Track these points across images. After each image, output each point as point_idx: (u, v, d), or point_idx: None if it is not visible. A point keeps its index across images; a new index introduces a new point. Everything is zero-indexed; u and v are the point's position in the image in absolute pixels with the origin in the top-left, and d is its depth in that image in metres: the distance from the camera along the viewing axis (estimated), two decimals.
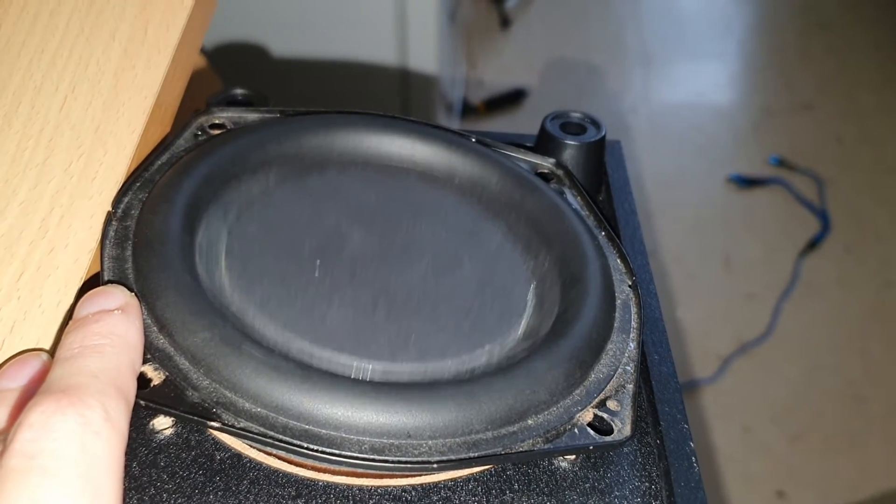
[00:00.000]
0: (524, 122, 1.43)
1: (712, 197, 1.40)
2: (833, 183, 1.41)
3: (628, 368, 0.29)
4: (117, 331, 0.25)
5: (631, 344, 0.30)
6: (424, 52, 0.97)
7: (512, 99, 1.52)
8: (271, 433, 0.24)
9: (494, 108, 1.50)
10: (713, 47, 1.75)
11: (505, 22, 1.73)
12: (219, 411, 0.25)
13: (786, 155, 1.45)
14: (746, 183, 1.40)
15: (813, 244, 1.30)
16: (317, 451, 0.24)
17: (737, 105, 1.61)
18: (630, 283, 0.32)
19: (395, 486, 0.26)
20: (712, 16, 1.84)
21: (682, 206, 1.37)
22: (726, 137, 1.52)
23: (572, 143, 0.37)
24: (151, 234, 0.29)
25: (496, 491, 0.26)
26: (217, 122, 0.36)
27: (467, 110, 1.47)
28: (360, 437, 0.25)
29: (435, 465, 0.25)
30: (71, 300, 0.28)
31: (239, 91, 0.38)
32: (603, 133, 0.38)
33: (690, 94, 1.62)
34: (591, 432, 0.26)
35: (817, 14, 1.83)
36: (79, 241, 0.29)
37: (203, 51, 0.80)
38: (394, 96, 1.03)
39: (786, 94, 1.61)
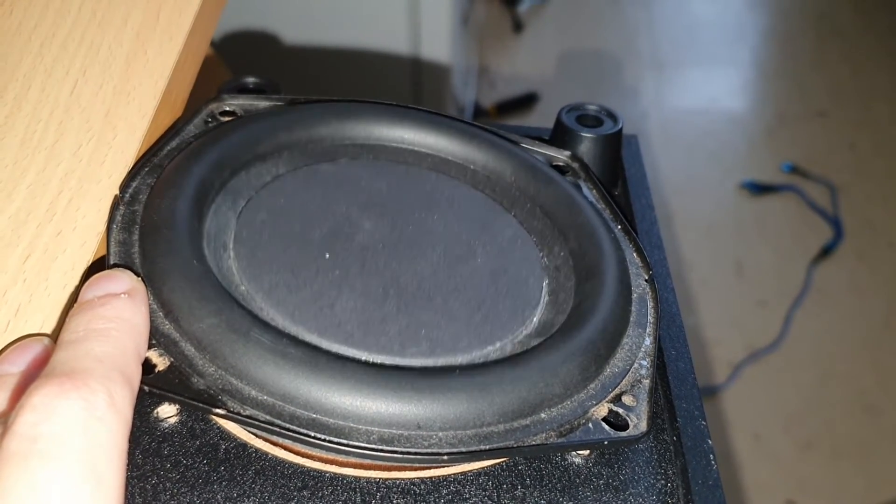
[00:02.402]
0: (536, 126, 1.42)
1: (725, 203, 1.39)
2: (846, 190, 1.40)
3: (644, 363, 0.28)
4: (123, 315, 0.24)
5: (647, 339, 0.29)
6: (437, 55, 0.97)
7: (523, 103, 1.51)
8: (278, 421, 0.24)
9: (506, 111, 1.50)
10: (726, 53, 1.74)
11: (518, 26, 1.72)
12: (224, 398, 0.24)
13: (799, 162, 1.44)
14: (759, 190, 1.39)
15: (825, 252, 1.29)
16: (324, 440, 0.23)
17: (750, 112, 1.60)
18: (647, 278, 0.31)
19: (403, 479, 0.25)
20: (726, 22, 1.83)
21: (694, 212, 1.36)
22: (739, 144, 1.51)
23: (588, 135, 0.37)
24: (159, 219, 0.28)
25: (507, 486, 0.25)
26: (228, 109, 0.35)
27: (479, 113, 1.46)
28: (369, 427, 0.24)
29: (445, 458, 0.24)
30: (77, 283, 0.27)
31: (250, 79, 0.38)
32: (620, 126, 0.37)
33: (703, 100, 1.61)
34: (606, 427, 0.26)
35: (831, 21, 1.82)
36: (87, 225, 0.29)
37: (213, 43, 0.80)
38: (406, 99, 1.02)
39: (799, 101, 1.60)
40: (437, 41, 0.96)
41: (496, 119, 1.48)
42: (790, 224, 1.35)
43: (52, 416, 0.19)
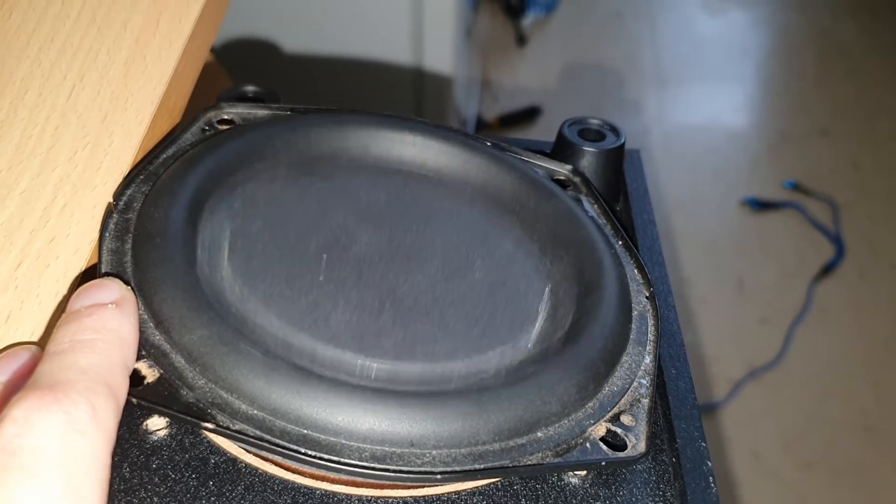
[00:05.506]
0: (537, 139, 1.42)
1: (726, 220, 1.38)
2: (848, 208, 1.40)
3: (644, 382, 0.28)
4: (110, 326, 0.24)
5: (647, 357, 0.28)
6: (440, 67, 0.97)
7: (526, 116, 1.51)
8: (268, 437, 0.23)
9: (508, 124, 1.50)
10: (730, 70, 1.74)
11: (521, 39, 1.72)
12: (214, 412, 0.23)
13: (801, 179, 1.44)
14: (761, 206, 1.39)
15: (827, 269, 1.29)
16: (315, 457, 0.23)
17: (752, 128, 1.60)
18: (647, 295, 0.31)
19: (395, 498, 0.24)
20: (729, 39, 1.84)
21: (695, 228, 1.35)
22: (741, 160, 1.50)
23: (590, 149, 0.36)
24: (152, 228, 0.28)
25: None
26: (226, 117, 0.35)
27: (481, 126, 1.46)
28: (361, 444, 0.23)
29: (438, 477, 0.23)
30: (69, 291, 0.27)
31: (250, 87, 0.38)
32: (622, 140, 0.37)
33: (706, 116, 1.61)
34: (604, 447, 0.25)
35: (835, 39, 1.82)
36: (80, 232, 0.28)
37: (214, 50, 0.80)
38: (407, 110, 1.02)
39: (802, 119, 1.60)
40: (440, 53, 0.96)
41: (498, 132, 1.48)
42: (792, 241, 1.35)
43: (32, 429, 0.19)
